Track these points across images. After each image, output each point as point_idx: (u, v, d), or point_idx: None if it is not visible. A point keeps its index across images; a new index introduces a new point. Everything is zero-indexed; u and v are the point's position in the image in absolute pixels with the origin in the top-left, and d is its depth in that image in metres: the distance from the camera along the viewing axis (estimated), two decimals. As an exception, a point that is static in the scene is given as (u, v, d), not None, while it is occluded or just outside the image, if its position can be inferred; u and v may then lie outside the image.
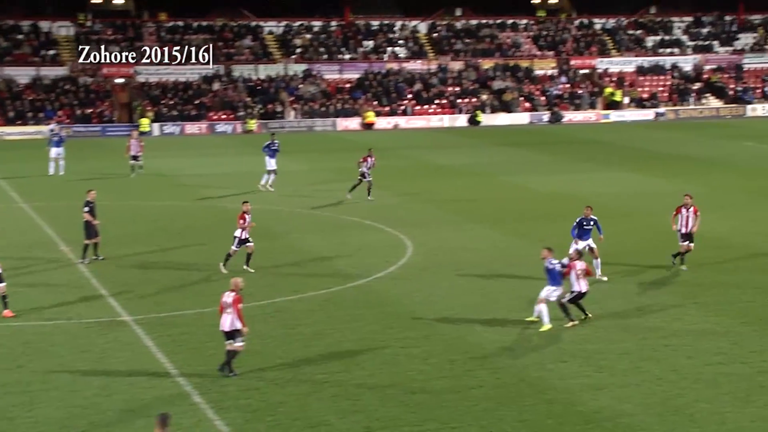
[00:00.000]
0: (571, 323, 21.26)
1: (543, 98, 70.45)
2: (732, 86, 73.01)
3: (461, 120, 67.56)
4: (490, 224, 32.32)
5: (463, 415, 16.58)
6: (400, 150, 53.42)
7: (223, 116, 66.36)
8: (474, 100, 69.52)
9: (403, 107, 68.64)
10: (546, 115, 68.23)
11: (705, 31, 79.20)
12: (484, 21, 78.60)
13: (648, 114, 69.39)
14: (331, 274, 26.02)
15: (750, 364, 18.93)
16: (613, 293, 23.96)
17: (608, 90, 71.06)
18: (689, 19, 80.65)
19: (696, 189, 38.62)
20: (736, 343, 20.16)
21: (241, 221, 25.69)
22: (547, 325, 21.04)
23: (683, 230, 25.84)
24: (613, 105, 70.14)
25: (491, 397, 17.34)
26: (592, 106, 70.57)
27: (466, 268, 26.54)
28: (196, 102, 67.24)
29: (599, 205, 35.41)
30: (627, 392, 17.59)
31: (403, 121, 67.20)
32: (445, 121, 67.53)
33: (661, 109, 69.84)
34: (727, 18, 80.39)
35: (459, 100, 69.46)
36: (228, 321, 18.28)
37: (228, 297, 18.39)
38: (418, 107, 69.02)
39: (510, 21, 79.08)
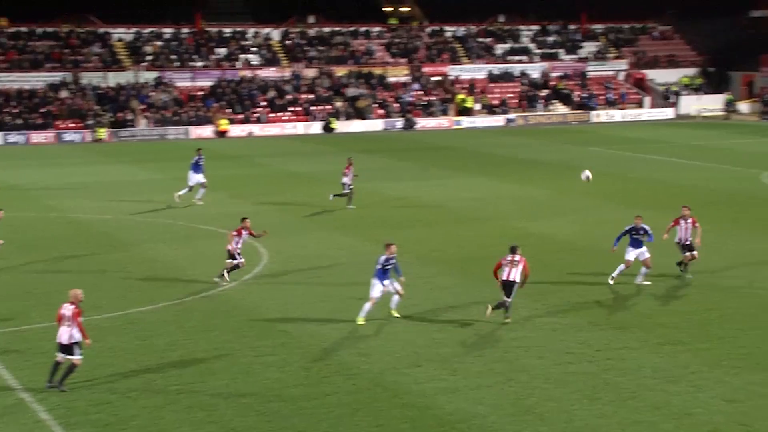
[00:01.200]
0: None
1: (396, 105, 71.19)
2: (577, 93, 75.32)
3: (316, 127, 67.66)
4: (347, 231, 32.44)
5: (320, 422, 16.59)
6: (255, 158, 53.13)
7: (71, 125, 64.66)
8: (328, 107, 69.72)
9: (257, 115, 68.28)
10: (399, 122, 68.96)
11: (551, 39, 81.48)
12: (336, 28, 78.95)
13: (499, 120, 70.92)
14: (185, 283, 25.66)
15: (596, 362, 19.54)
16: (464, 296, 24.35)
17: (460, 97, 72.31)
18: (536, 27, 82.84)
19: (545, 193, 39.76)
20: (583, 342, 20.77)
21: (234, 236, 25.48)
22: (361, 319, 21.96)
23: (684, 242, 25.56)
24: (464, 111, 71.42)
25: (347, 403, 17.40)
26: (445, 112, 71.70)
27: (323, 275, 26.58)
28: (42, 110, 65.34)
29: (454, 211, 36.12)
30: (480, 394, 17.91)
31: (258, 129, 66.87)
32: (300, 128, 67.51)
33: (511, 116, 71.48)
34: (572, 27, 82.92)
35: (313, 108, 69.54)
36: (66, 334, 17.80)
37: (66, 309, 17.93)
38: (272, 115, 68.79)
39: (362, 28, 79.67)
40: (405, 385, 18.36)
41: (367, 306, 22.10)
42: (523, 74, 76.93)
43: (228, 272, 25.65)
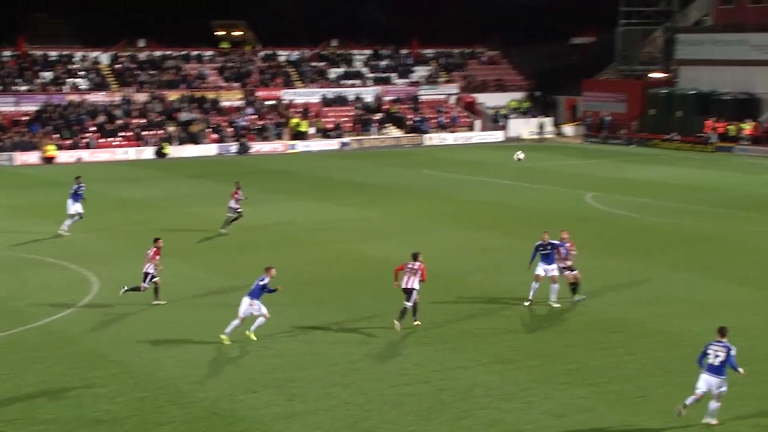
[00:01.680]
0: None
1: (230, 129, 70.68)
2: (410, 116, 76.53)
3: (148, 152, 66.44)
4: (179, 257, 31.93)
5: (154, 453, 16.25)
6: (85, 184, 51.64)
7: None
8: (160, 132, 68.63)
9: (86, 140, 66.57)
10: (234, 146, 68.48)
11: (383, 63, 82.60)
12: (168, 52, 77.87)
13: (333, 144, 71.33)
14: (9, 316, 24.72)
15: (432, 383, 19.83)
16: (302, 320, 24.32)
17: (294, 120, 72.40)
18: (368, 52, 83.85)
19: (379, 215, 40.17)
20: (419, 363, 21.05)
21: (157, 257, 25.51)
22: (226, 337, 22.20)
23: (562, 265, 25.61)
24: (299, 135, 71.52)
25: (182, 433, 17.10)
26: (279, 136, 71.62)
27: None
28: None
29: (289, 234, 36.06)
30: (317, 418, 17.90)
31: (87, 155, 65.18)
32: (131, 153, 66.15)
33: (346, 139, 72.01)
34: (403, 52, 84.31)
35: (145, 132, 68.30)
36: None
37: None
38: (102, 140, 67.17)
39: (194, 52, 78.84)
40: (241, 411, 18.18)
41: (235, 323, 22.33)
42: (357, 98, 77.69)
43: (156, 294, 25.77)
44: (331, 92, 77.48)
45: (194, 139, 68.88)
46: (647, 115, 73.46)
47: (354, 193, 47.17)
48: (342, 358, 21.38)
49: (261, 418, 17.85)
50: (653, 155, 64.11)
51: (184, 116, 70.85)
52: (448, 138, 74.77)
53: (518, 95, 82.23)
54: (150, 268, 25.66)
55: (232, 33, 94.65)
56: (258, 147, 69.21)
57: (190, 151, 67.51)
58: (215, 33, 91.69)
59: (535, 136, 74.90)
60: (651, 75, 77.29)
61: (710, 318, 24.55)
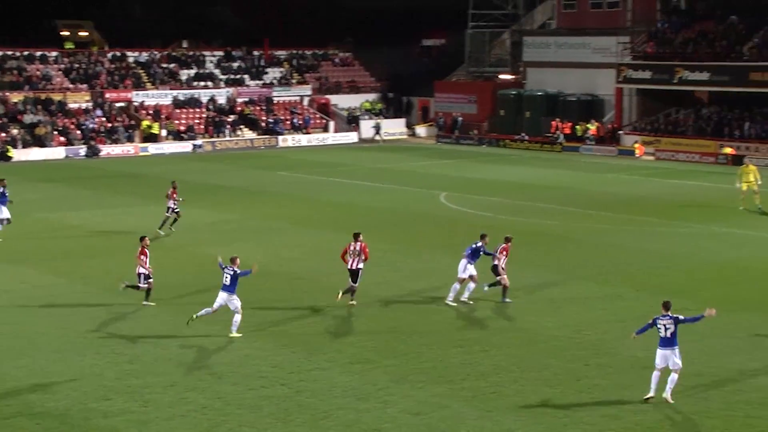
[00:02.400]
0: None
1: (79, 132, 68.88)
2: (264, 118, 76.12)
3: (-9, 156, 64.15)
4: (27, 264, 30.93)
5: (2, 467, 15.69)
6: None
7: None
8: (4, 135, 66.33)
9: (-76, 143, 63.83)
10: (83, 150, 66.76)
11: (236, 65, 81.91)
12: (10, 53, 75.36)
13: (186, 146, 70.32)
14: None
15: (289, 385, 19.77)
16: (155, 325, 23.90)
17: (145, 123, 71.06)
18: (220, 53, 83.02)
19: (234, 218, 39.81)
20: (276, 365, 20.95)
21: (143, 257, 25.40)
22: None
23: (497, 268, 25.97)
24: (151, 138, 70.25)
25: (32, 445, 16.57)
26: (130, 139, 70.19)
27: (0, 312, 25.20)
28: None
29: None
30: (173, 425, 17.61)
31: (-75, 159, 62.47)
32: (-27, 157, 63.77)
33: (199, 141, 71.09)
34: (256, 53, 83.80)
35: (-12, 135, 65.93)
36: None
37: None
38: (-59, 143, 64.55)
39: (38, 53, 76.51)
40: (94, 420, 17.74)
41: (205, 311, 23.12)
42: (210, 100, 76.81)
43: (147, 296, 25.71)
44: (182, 94, 76.36)
45: (40, 142, 66.87)
46: (497, 116, 75.04)
47: (208, 195, 46.60)
48: (198, 363, 21.10)
49: (115, 426, 17.46)
50: (504, 155, 65.53)
51: (28, 118, 68.69)
52: (303, 140, 74.69)
53: (371, 97, 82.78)
54: (141, 269, 25.51)
55: (78, 33, 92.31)
56: (108, 150, 67.66)
57: (36, 154, 65.50)
58: (60, 33, 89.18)
59: (373, 137, 75.45)
60: (500, 76, 79.00)
61: (561, 314, 25.26)
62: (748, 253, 32.75)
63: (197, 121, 74.16)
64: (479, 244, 26.29)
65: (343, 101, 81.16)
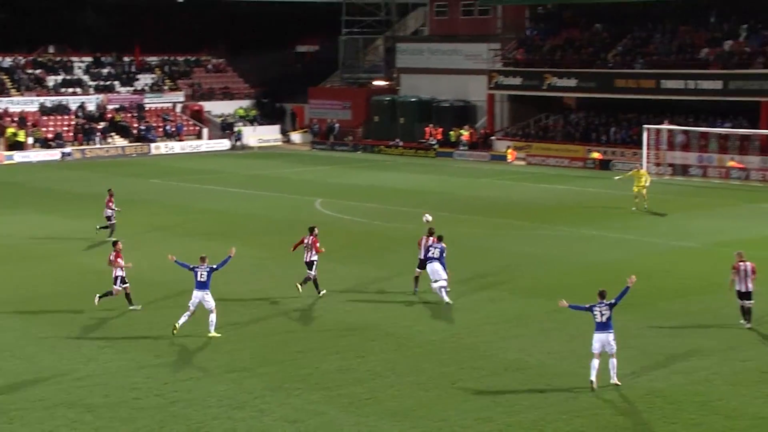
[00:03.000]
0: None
1: (-61, 140, 66.50)
2: (135, 125, 74.81)
3: None
4: None
5: None
6: None
7: None
8: None
9: None
10: (-56, 158, 64.49)
11: (105, 71, 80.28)
12: None
13: (54, 154, 68.58)
14: None
15: (164, 395, 19.45)
16: (23, 338, 23.21)
17: (10, 130, 69.04)
18: (89, 59, 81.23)
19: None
20: (150, 377, 20.59)
21: (120, 260, 25.70)
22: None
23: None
24: (16, 146, 68.26)
25: None
26: (-5, 147, 68.09)
27: None
28: None
29: (8, 250, 34.30)
30: (42, 440, 17.13)
31: None
32: None
33: (68, 149, 69.41)
34: (126, 59, 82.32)
35: None
36: None
37: None
38: None
39: None
40: (-42, 440, 17.11)
41: (185, 316, 23.56)
42: (79, 106, 75.08)
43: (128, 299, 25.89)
44: (49, 101, 74.44)
45: None
46: (372, 122, 75.44)
47: (78, 205, 45.53)
48: (67, 375, 20.58)
49: (-20, 445, 16.90)
50: (379, 161, 65.90)
51: None
52: (176, 147, 73.68)
53: (245, 103, 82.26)
54: (118, 272, 25.65)
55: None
56: (-29, 158, 65.51)
57: None
58: None
59: (235, 143, 75.12)
60: (374, 83, 79.47)
61: (437, 319, 25.51)
62: (617, 255, 33.67)
63: (66, 128, 72.42)
64: (441, 245, 27.03)
65: (216, 108, 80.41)
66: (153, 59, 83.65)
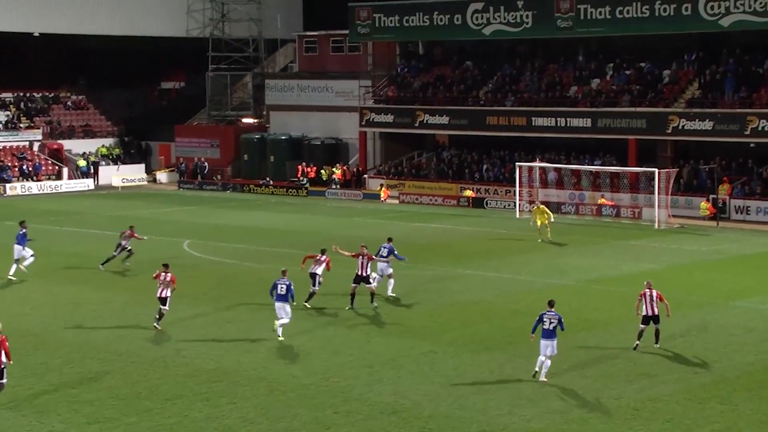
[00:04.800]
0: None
1: None
2: (-10, 165, 72.73)
3: None
4: None
5: None
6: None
7: None
8: None
9: None
10: None
11: (-43, 108, 78.01)
12: None
13: None
14: None
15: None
16: None
17: None
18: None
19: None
20: (3, 430, 19.88)
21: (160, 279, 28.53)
22: None
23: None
24: None
25: None
26: None
27: None
28: None
29: None
30: None
31: None
32: None
33: None
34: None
35: None
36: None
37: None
38: None
39: None
40: None
41: (280, 322, 27.16)
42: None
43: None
44: None
45: None
46: (241, 161, 75.09)
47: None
48: None
49: None
50: (249, 200, 65.54)
51: None
52: (34, 187, 71.82)
53: (108, 141, 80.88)
54: (167, 292, 28.45)
55: None
56: None
57: None
58: None
59: (141, 183, 74.05)
60: (243, 120, 79.21)
61: (309, 361, 25.39)
62: (492, 293, 34.17)
63: None
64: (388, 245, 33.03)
65: (77, 146, 78.82)
66: (7, 95, 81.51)
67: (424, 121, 66.27)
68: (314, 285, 31.06)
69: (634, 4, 58.04)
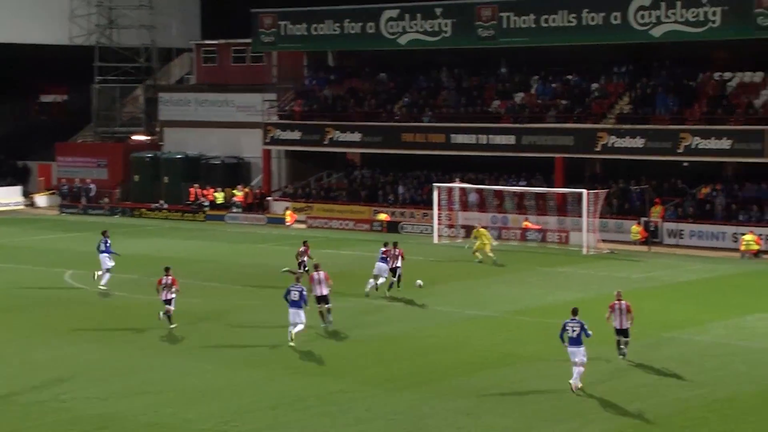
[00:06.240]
0: None
1: None
2: None
3: None
4: None
5: None
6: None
7: None
8: None
9: None
10: None
11: None
12: None
13: None
14: None
15: None
16: None
17: None
18: None
19: None
20: None
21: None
22: None
23: None
24: None
25: None
26: None
27: None
28: None
29: None
30: None
31: None
32: None
33: None
34: None
35: None
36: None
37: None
38: None
39: None
40: None
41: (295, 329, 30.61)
42: None
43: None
44: None
45: None
46: (132, 182, 74.27)
47: None
48: None
49: None
50: (140, 226, 64.84)
51: None
52: None
53: (-21, 161, 79.46)
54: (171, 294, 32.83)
55: None
56: None
57: None
58: None
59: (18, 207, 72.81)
60: (133, 137, 78.36)
61: (207, 403, 25.16)
62: (405, 327, 34.26)
63: None
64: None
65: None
66: None
67: (334, 139, 66.39)
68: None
69: (561, 12, 59.02)
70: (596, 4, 58.01)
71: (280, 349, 30.82)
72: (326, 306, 33.24)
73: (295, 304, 30.66)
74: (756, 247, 50.05)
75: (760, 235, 50.92)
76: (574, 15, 58.59)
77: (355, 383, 26.80)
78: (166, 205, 69.97)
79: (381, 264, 38.88)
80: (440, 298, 39.31)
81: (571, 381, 25.54)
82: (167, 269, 33.46)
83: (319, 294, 32.98)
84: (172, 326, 32.76)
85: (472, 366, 28.81)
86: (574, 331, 25.77)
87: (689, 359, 29.50)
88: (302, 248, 41.60)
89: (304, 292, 30.87)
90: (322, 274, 33.18)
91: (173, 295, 32.98)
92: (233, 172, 71.91)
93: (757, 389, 26.56)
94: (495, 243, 48.20)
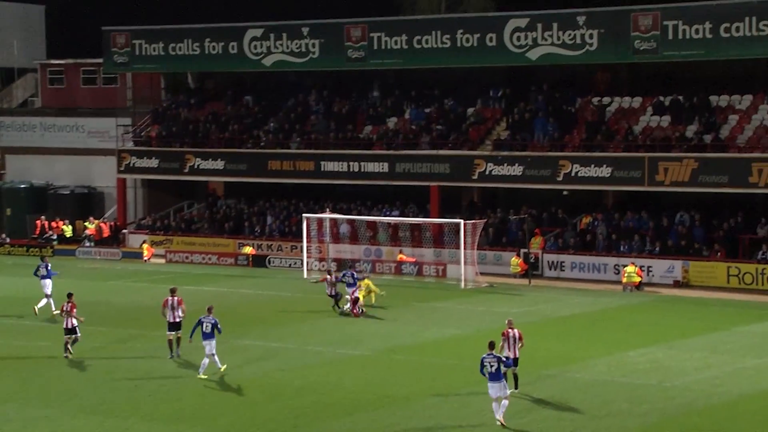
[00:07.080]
0: None
1: None
2: None
3: None
4: None
5: None
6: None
7: None
8: None
9: None
10: None
11: None
12: None
13: None
14: None
15: None
16: None
17: None
18: None
19: None
20: None
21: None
22: None
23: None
24: None
25: None
26: None
27: None
28: None
29: None
30: None
31: None
32: None
33: None
34: None
35: None
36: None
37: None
38: None
39: None
40: None
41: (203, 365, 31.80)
42: None
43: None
44: None
45: None
46: (-30, 214, 72.64)
47: None
48: None
49: None
50: (-21, 263, 63.34)
51: None
52: None
53: None
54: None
55: None
56: None
57: None
58: None
59: None
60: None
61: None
62: (271, 367, 34.13)
63: None
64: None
65: None
66: None
67: (195, 166, 65.93)
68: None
69: (434, 33, 59.66)
70: (471, 26, 58.84)
71: (134, 397, 30.38)
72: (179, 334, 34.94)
73: (208, 336, 32.23)
74: (638, 279, 51.10)
75: (641, 266, 51.99)
76: (448, 36, 59.22)
77: (218, 430, 26.56)
78: (8, 240, 68.45)
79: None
80: (310, 337, 39.26)
81: (497, 416, 26.33)
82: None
83: (171, 321, 34.48)
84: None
85: (344, 409, 28.81)
86: (492, 366, 26.54)
87: (570, 398, 29.96)
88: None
89: (218, 324, 32.53)
90: (176, 299, 34.75)
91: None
92: (84, 203, 70.85)
93: (641, 425, 27.15)
94: (383, 293, 45.76)
